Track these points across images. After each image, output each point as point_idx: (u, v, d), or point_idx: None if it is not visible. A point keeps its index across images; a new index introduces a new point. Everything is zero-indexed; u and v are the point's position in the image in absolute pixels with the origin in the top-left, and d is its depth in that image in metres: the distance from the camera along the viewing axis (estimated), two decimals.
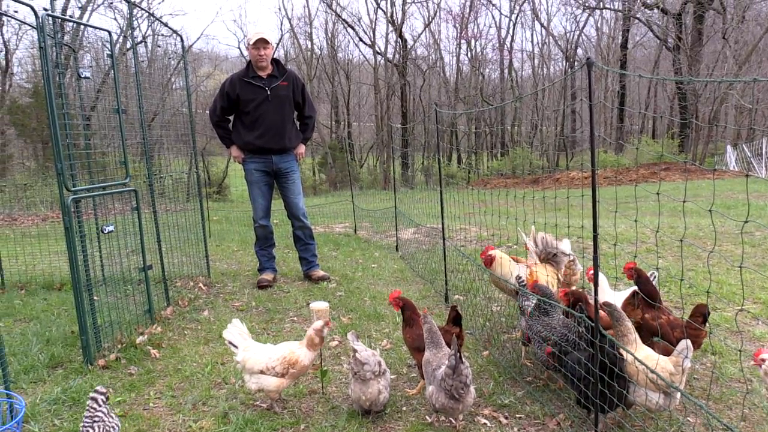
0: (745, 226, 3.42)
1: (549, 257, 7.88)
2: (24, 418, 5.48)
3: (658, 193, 4.49)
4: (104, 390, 4.74)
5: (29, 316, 9.49)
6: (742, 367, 5.58)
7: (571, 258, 7.94)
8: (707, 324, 5.72)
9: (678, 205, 17.33)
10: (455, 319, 6.19)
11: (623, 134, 50.95)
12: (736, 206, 17.98)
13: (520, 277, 6.89)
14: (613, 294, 6.71)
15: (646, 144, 44.48)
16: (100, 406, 4.64)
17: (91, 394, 4.68)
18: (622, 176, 33.17)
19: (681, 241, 4.49)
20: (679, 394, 4.76)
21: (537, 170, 41.02)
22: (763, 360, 4.58)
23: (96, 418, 4.57)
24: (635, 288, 6.13)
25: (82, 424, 4.60)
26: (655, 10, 47.84)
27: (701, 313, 5.62)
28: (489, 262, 7.57)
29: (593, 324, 4.81)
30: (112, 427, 4.62)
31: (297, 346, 5.87)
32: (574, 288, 7.23)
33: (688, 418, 5.31)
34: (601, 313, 5.11)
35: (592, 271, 6.86)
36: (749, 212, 3.45)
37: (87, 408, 4.63)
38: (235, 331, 6.03)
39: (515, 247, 11.83)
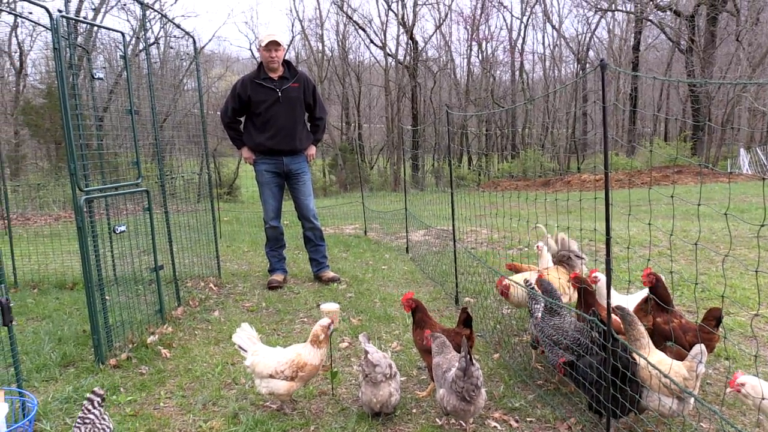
0: (760, 231, 3.38)
1: (563, 259, 7.86)
2: (36, 416, 5.50)
3: (672, 196, 4.47)
4: (101, 392, 4.73)
5: (41, 315, 9.53)
6: (758, 372, 5.55)
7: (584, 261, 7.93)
8: (721, 328, 5.70)
9: (690, 208, 17.28)
10: (466, 321, 6.16)
11: (635, 137, 50.81)
12: (750, 210, 17.93)
13: (528, 281, 6.87)
14: (621, 297, 6.69)
15: (659, 146, 44.37)
16: (94, 408, 4.64)
17: (88, 395, 4.68)
18: (634, 179, 33.10)
19: (695, 244, 4.47)
20: (692, 399, 4.73)
21: (548, 173, 40.89)
22: (742, 384, 4.54)
23: (87, 420, 4.57)
24: (647, 292, 6.11)
25: (74, 424, 4.61)
26: (668, 12, 47.67)
27: (714, 317, 5.59)
28: (506, 291, 7.52)
29: (606, 327, 4.79)
30: (102, 429, 4.60)
31: (303, 348, 5.86)
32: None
33: (702, 424, 5.29)
34: (614, 317, 5.09)
35: (594, 274, 6.87)
36: (766, 216, 3.43)
37: (81, 409, 4.64)
38: (244, 335, 6.02)
39: (526, 249, 11.80)
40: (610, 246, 4.62)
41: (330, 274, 11.24)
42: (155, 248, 8.46)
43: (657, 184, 31.85)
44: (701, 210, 14.59)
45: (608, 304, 4.78)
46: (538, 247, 8.20)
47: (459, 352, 5.26)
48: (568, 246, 7.95)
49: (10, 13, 27.22)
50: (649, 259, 6.65)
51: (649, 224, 4.90)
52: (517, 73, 58.27)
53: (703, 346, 4.80)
